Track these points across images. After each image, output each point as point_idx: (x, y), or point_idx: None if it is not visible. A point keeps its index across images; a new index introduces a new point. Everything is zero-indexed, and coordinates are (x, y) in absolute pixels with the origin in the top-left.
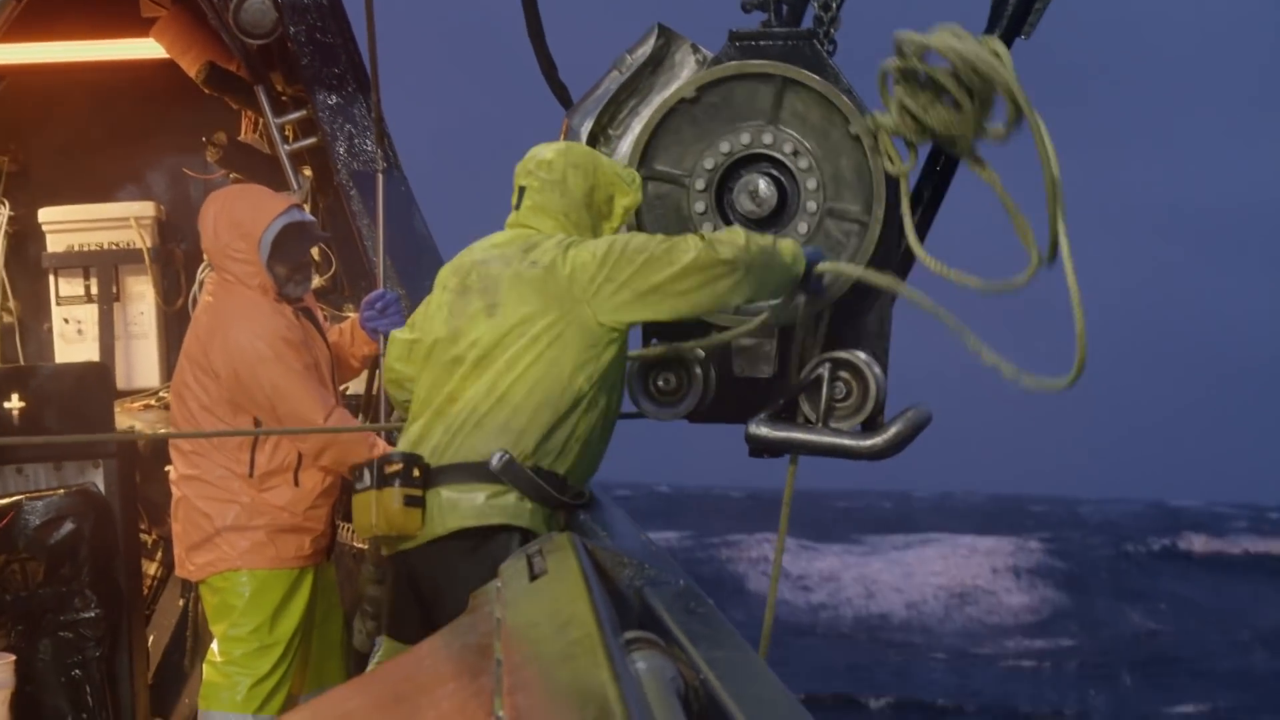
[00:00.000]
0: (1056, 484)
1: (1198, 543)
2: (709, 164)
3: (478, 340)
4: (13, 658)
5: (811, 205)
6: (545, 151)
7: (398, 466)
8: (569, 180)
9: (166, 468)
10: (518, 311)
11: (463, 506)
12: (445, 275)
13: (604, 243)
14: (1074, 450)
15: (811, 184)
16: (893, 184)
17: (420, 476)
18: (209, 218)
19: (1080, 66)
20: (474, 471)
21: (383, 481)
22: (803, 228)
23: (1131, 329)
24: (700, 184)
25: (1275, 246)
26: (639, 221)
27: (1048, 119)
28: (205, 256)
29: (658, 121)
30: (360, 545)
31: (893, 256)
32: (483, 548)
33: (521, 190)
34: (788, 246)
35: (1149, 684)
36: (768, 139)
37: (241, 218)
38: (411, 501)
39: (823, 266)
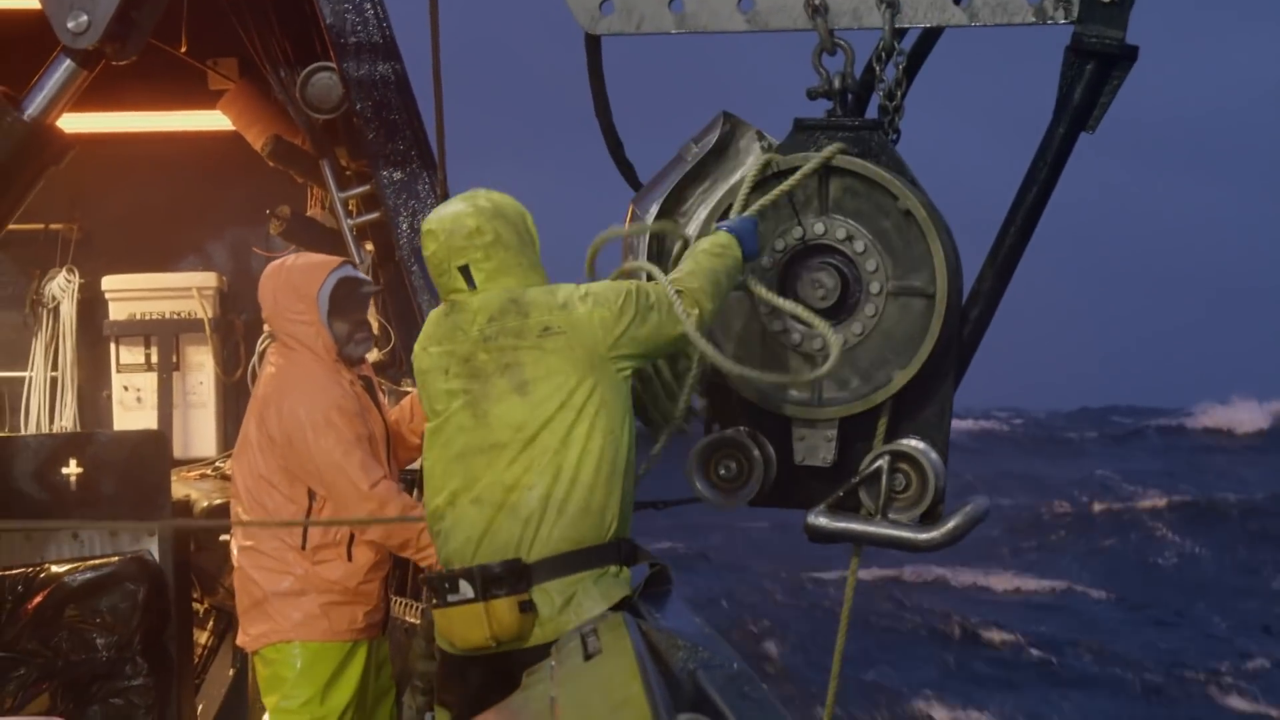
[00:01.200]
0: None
1: None
2: (766, 262)
3: (520, 423)
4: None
5: (875, 286)
6: (465, 221)
7: (499, 573)
8: (502, 234)
9: (222, 537)
10: (555, 385)
11: (581, 599)
12: (437, 359)
13: (617, 296)
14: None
15: (871, 265)
16: (952, 256)
17: (521, 579)
18: (268, 286)
19: None
20: (571, 562)
21: (489, 593)
22: (870, 309)
23: (1076, 247)
24: (777, 248)
25: (1217, 158)
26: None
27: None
28: (266, 326)
29: (796, 165)
30: (412, 620)
31: (938, 384)
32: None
33: (464, 270)
34: (731, 246)
35: None
36: (820, 229)
37: (297, 280)
38: (526, 608)
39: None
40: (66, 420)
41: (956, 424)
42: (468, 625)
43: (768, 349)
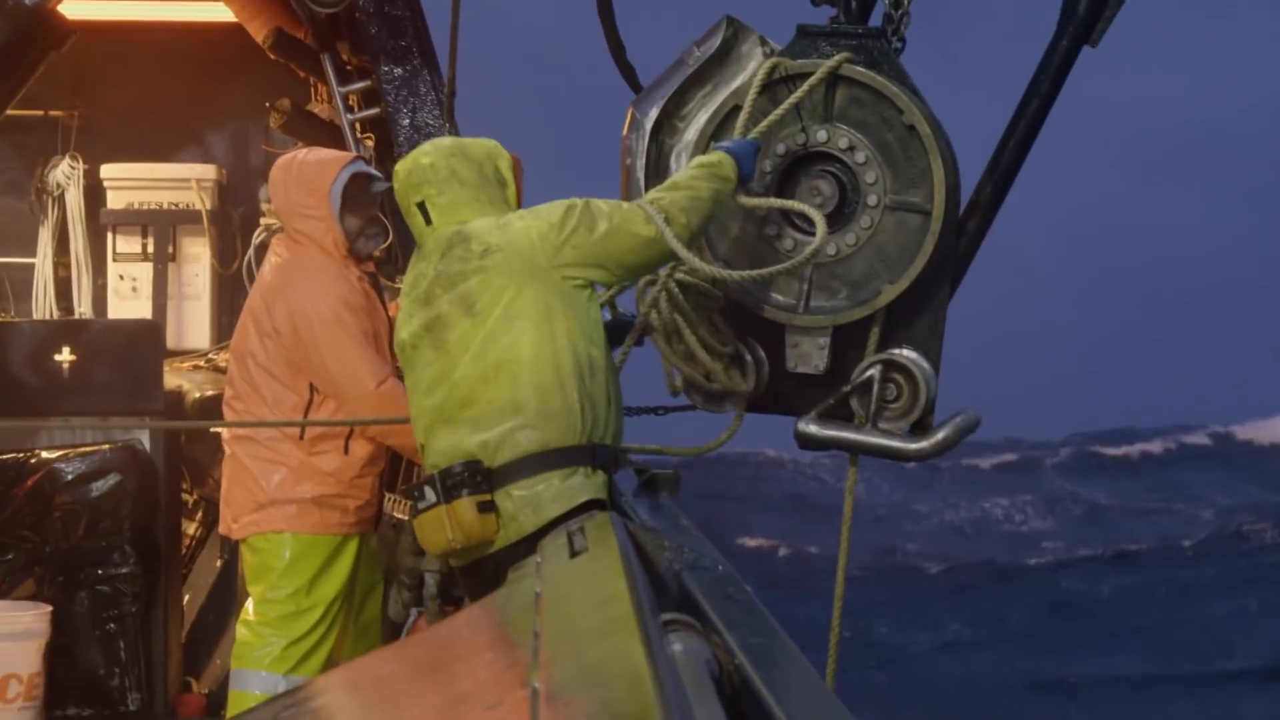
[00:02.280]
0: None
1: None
2: (767, 166)
3: (464, 339)
4: (49, 608)
5: (872, 199)
6: (421, 159)
7: (462, 475)
8: (458, 170)
9: (213, 430)
10: (498, 300)
11: (544, 499)
12: (403, 312)
13: (559, 209)
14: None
15: (871, 177)
16: (952, 174)
17: (483, 481)
18: (279, 180)
19: None
20: (535, 463)
21: (450, 494)
22: (865, 221)
23: (1079, 264)
24: (775, 154)
25: (1217, 168)
26: (721, 131)
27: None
28: (275, 219)
29: (794, 71)
30: (401, 516)
31: (932, 295)
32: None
33: (421, 206)
34: (722, 165)
35: None
36: (823, 136)
37: (309, 174)
38: (485, 508)
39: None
40: (85, 308)
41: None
42: (433, 529)
43: (759, 255)
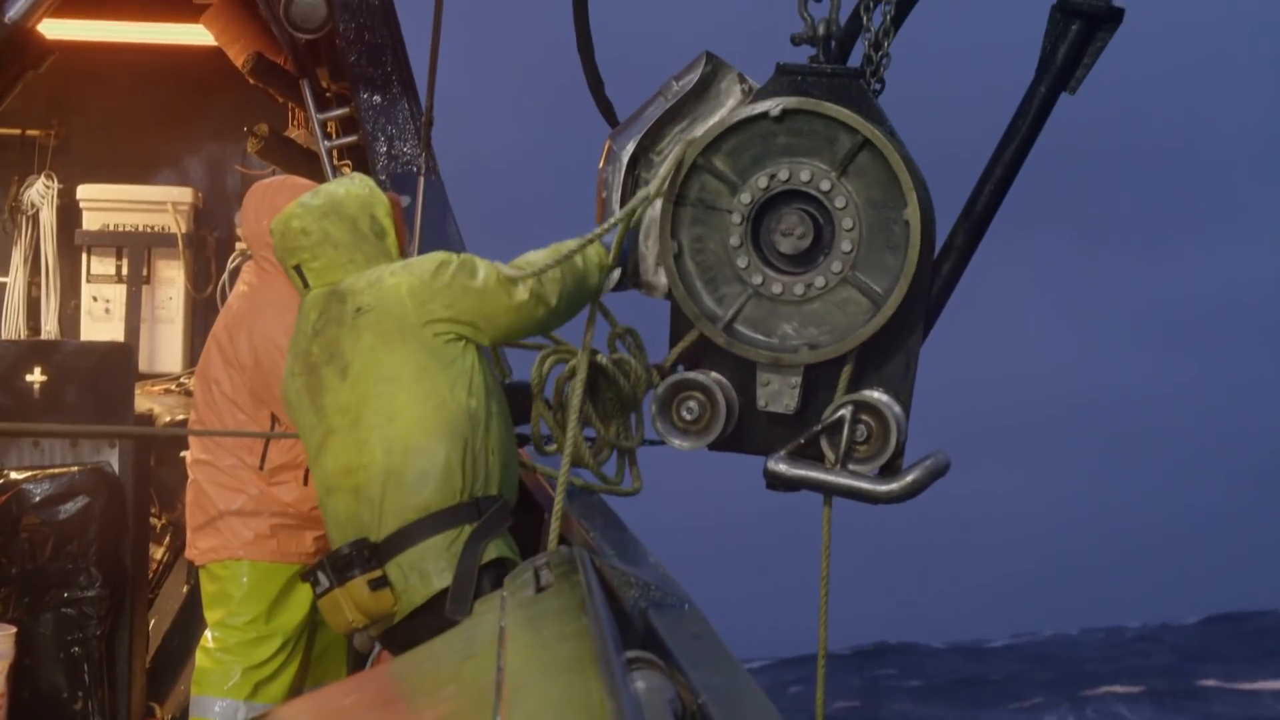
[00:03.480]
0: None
1: None
2: (762, 183)
3: (344, 405)
4: (14, 630)
5: (836, 266)
6: (292, 223)
7: (348, 555)
8: (331, 232)
9: (182, 453)
10: (370, 362)
11: (429, 568)
12: (289, 367)
13: (431, 263)
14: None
15: (846, 246)
16: (923, 277)
17: (372, 557)
18: (250, 207)
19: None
20: (417, 530)
21: (341, 577)
22: (819, 281)
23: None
24: (746, 197)
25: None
26: (677, 204)
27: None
28: (244, 245)
29: (733, 124)
30: None
31: (905, 337)
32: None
33: (298, 269)
34: (598, 255)
35: None
36: (825, 185)
37: (281, 202)
38: (377, 584)
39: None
40: (51, 328)
41: None
42: (333, 612)
43: (720, 278)
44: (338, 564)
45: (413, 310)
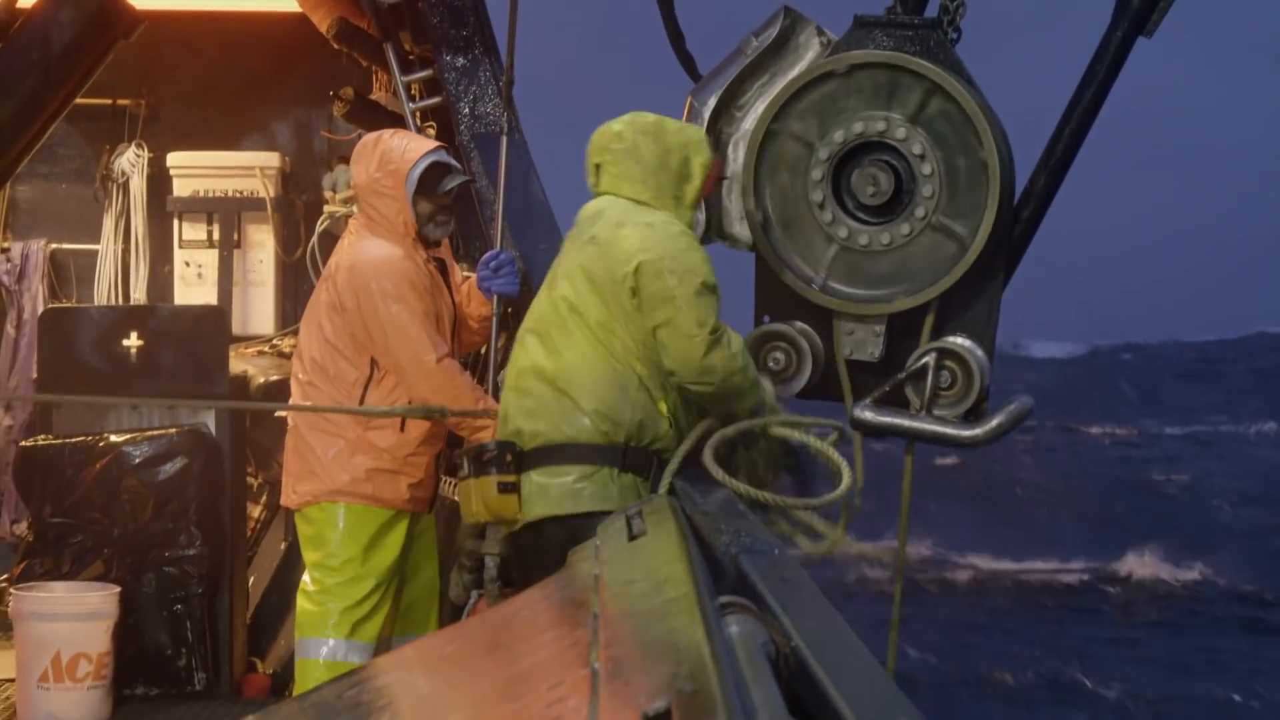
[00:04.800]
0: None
1: None
2: (839, 137)
3: (543, 314)
4: (117, 589)
5: (920, 211)
6: (614, 125)
7: (492, 454)
8: (640, 148)
9: (277, 414)
10: (587, 285)
11: (552, 492)
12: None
13: (694, 278)
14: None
15: (928, 191)
16: (1005, 219)
17: (513, 462)
18: (362, 156)
19: None
20: (558, 453)
21: (479, 470)
22: (905, 229)
23: None
24: (824, 153)
25: None
26: (757, 167)
27: None
28: (338, 207)
29: (802, 85)
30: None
31: (987, 283)
32: (575, 536)
33: (598, 168)
34: (768, 392)
35: None
36: (901, 134)
37: (392, 155)
38: (506, 488)
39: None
40: (139, 294)
41: None
42: (464, 499)
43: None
44: (480, 457)
45: (627, 296)
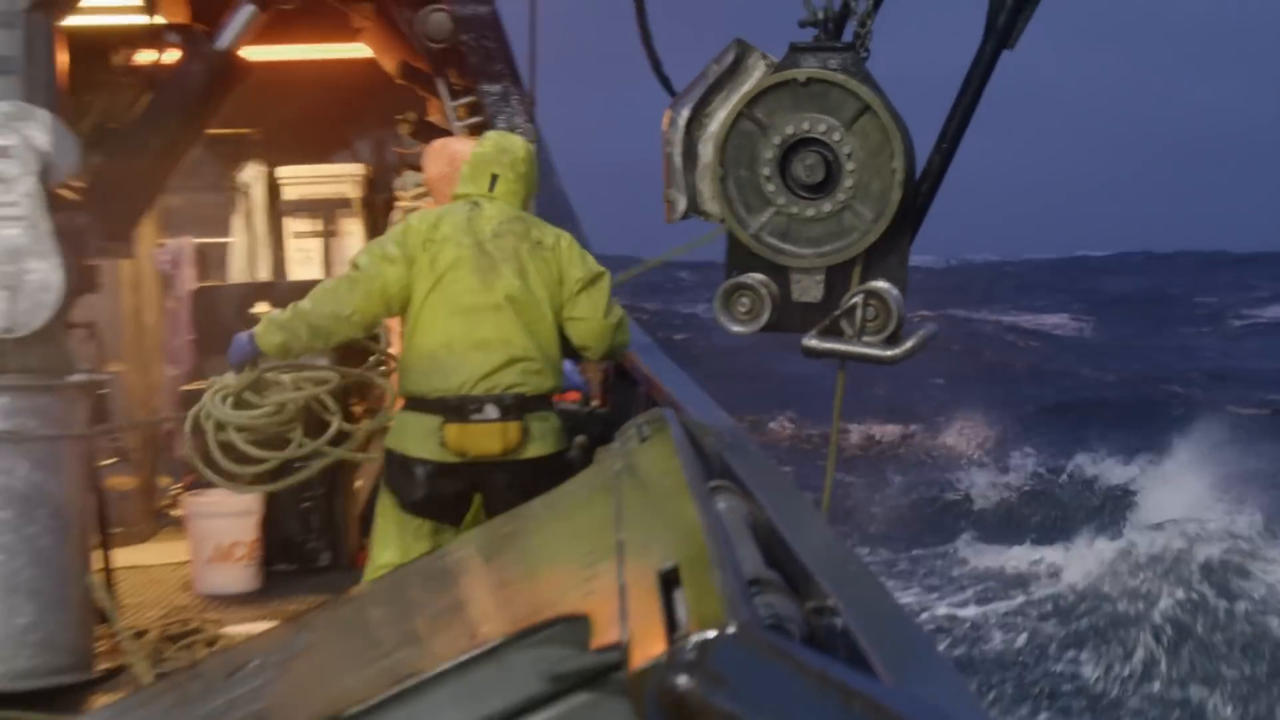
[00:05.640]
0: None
1: None
2: (789, 129)
3: (514, 296)
4: (263, 493)
5: (841, 196)
6: (517, 151)
7: (515, 403)
8: (530, 176)
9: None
10: (540, 280)
11: (541, 432)
12: (441, 229)
13: (592, 265)
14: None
15: (848, 183)
16: (907, 203)
17: (520, 409)
18: (435, 157)
19: None
20: (542, 402)
21: (506, 417)
22: (827, 206)
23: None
24: (777, 139)
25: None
26: (724, 144)
27: None
28: (410, 203)
29: (770, 84)
30: None
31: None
32: (550, 466)
33: (494, 177)
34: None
35: None
36: (836, 136)
37: (457, 156)
38: (525, 432)
39: None
40: (263, 274)
41: None
42: (489, 438)
43: (756, 203)
44: (505, 405)
45: (570, 275)
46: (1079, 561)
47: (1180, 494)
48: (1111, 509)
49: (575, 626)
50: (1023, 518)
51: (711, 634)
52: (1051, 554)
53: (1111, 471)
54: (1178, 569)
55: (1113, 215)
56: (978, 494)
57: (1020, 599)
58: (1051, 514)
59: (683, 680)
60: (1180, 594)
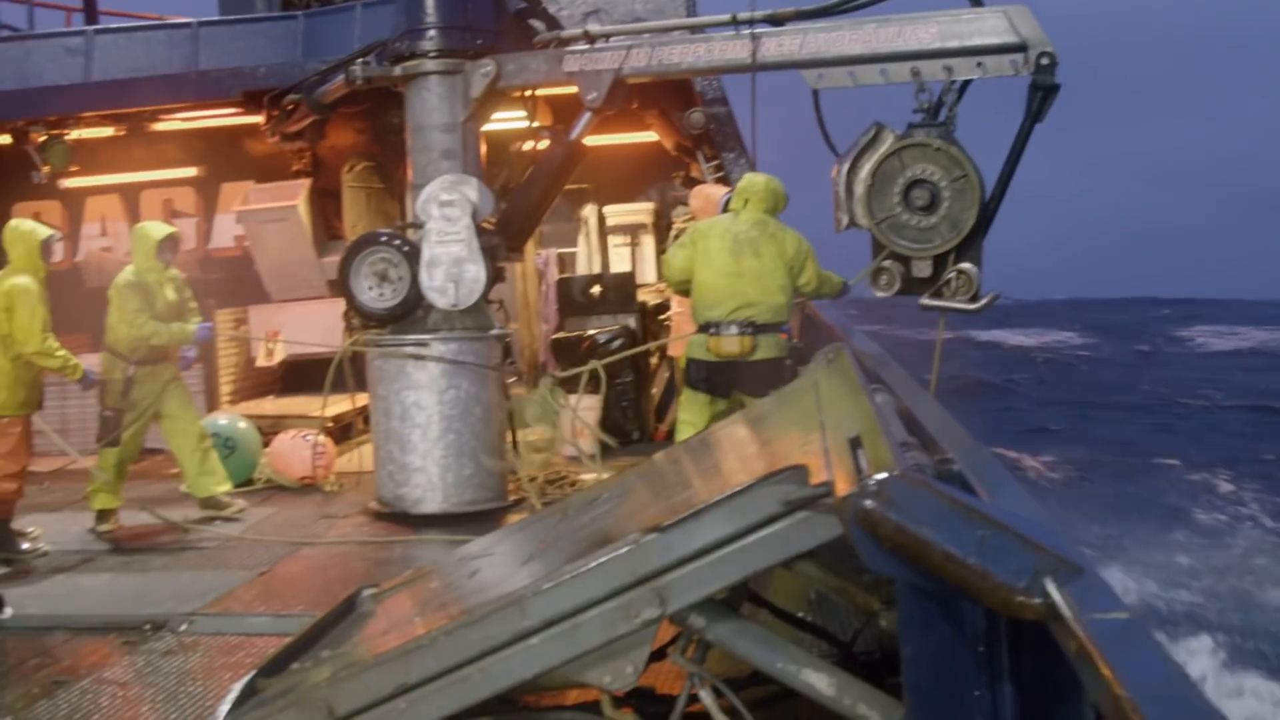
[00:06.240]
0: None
1: None
2: (915, 172)
3: (755, 270)
4: (600, 395)
5: (940, 211)
6: (759, 183)
7: (749, 324)
8: (767, 198)
9: (661, 316)
10: (770, 256)
11: (771, 346)
12: (713, 230)
13: (806, 252)
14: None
15: (944, 208)
16: (981, 218)
17: (754, 330)
18: (696, 196)
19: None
20: (769, 327)
21: (742, 331)
22: (932, 220)
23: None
24: (904, 177)
25: None
26: (871, 190)
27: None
28: (677, 223)
29: (908, 143)
30: None
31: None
32: (773, 365)
33: (746, 200)
34: (840, 282)
35: None
36: (942, 181)
37: (713, 195)
38: (753, 341)
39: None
40: (595, 269)
41: None
42: (730, 344)
43: (899, 223)
44: (745, 327)
45: (793, 258)
46: None
47: None
48: None
49: (798, 473)
50: None
51: (884, 475)
52: None
53: None
54: None
55: None
56: None
57: None
58: None
59: (869, 503)
60: None
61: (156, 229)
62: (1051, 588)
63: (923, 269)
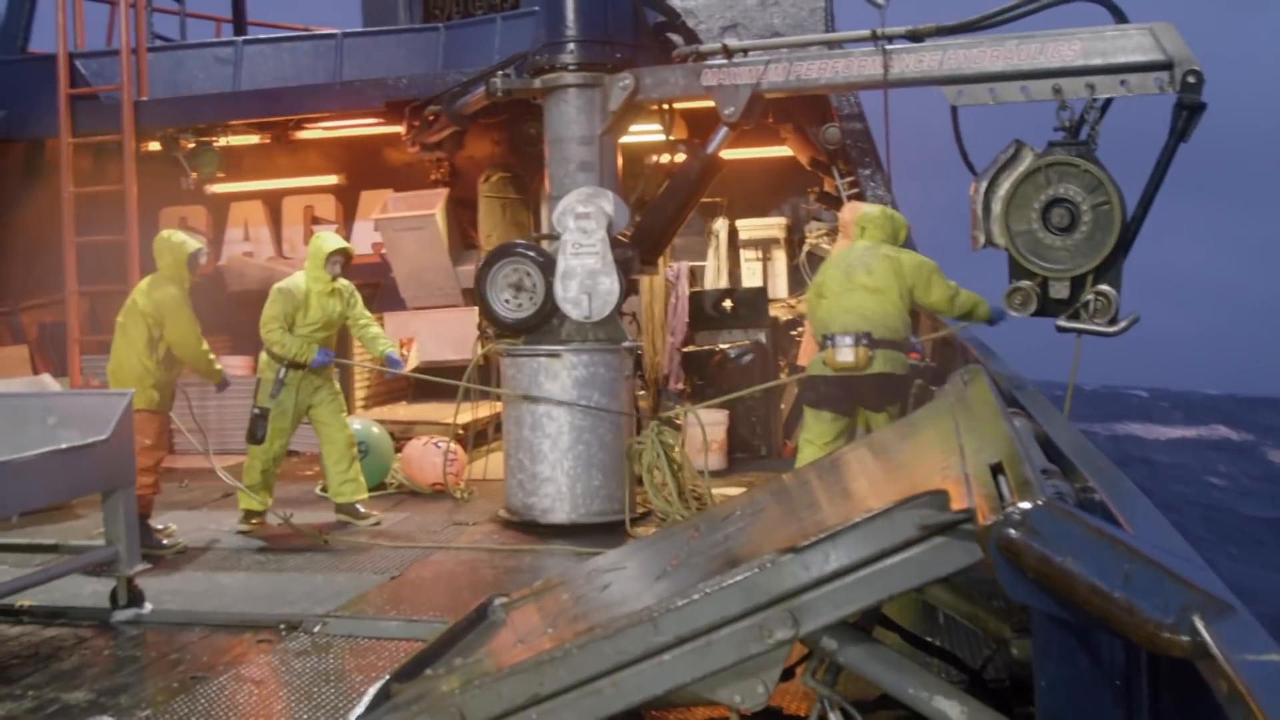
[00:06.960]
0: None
1: None
2: (1053, 191)
3: (868, 285)
4: (727, 411)
5: (1080, 232)
6: (874, 213)
7: (865, 338)
8: (883, 225)
9: (793, 332)
10: (884, 276)
11: (890, 361)
12: (830, 261)
13: (929, 269)
14: None
15: (1085, 227)
16: (1123, 238)
17: (869, 343)
18: (845, 211)
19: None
20: (885, 343)
21: (857, 342)
22: (1072, 242)
23: None
24: (1045, 195)
25: None
26: (1008, 210)
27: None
28: (817, 240)
29: (1049, 161)
30: None
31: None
32: (891, 379)
33: (863, 228)
34: (986, 310)
35: None
36: (1080, 200)
37: (856, 210)
38: (870, 355)
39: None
40: (724, 283)
41: None
42: (847, 354)
43: (1036, 244)
44: (860, 340)
45: (906, 278)
46: None
47: None
48: None
49: (938, 498)
50: None
51: (1027, 505)
52: None
53: None
54: None
55: None
56: None
57: None
58: None
59: (1013, 532)
60: None
61: (329, 241)
62: (1200, 625)
63: (1060, 290)
